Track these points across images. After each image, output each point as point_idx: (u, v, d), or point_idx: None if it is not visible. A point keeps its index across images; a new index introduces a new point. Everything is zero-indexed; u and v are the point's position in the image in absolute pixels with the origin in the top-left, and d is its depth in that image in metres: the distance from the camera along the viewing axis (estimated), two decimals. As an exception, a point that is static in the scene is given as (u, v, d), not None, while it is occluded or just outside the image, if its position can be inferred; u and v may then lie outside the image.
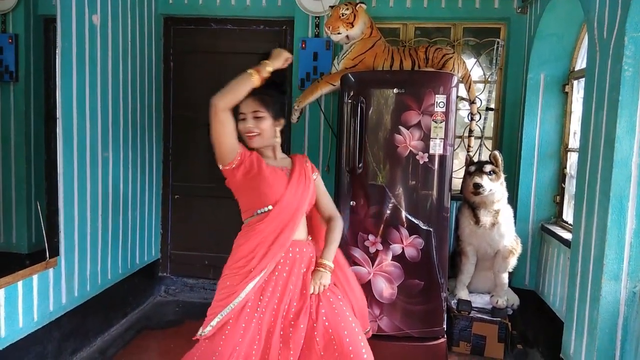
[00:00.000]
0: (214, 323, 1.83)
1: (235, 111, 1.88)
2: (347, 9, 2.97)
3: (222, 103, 1.79)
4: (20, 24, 2.44)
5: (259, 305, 1.86)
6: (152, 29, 3.63)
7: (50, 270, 2.59)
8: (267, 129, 1.94)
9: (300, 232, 2.00)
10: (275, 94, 1.99)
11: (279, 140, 2.03)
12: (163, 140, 3.87)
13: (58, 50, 2.57)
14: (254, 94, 1.89)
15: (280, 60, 1.90)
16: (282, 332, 1.85)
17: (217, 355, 1.77)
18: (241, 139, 1.92)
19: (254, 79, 1.81)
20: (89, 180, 2.90)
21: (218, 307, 1.86)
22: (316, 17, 3.47)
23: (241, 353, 1.79)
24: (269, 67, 1.86)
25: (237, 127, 1.91)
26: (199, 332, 1.87)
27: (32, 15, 2.49)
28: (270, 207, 1.90)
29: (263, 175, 1.90)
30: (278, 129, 2.00)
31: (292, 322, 1.86)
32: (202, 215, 3.94)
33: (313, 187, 2.04)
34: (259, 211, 1.91)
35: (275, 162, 2.01)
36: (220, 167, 1.90)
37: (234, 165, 1.88)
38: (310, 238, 2.09)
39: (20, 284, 2.37)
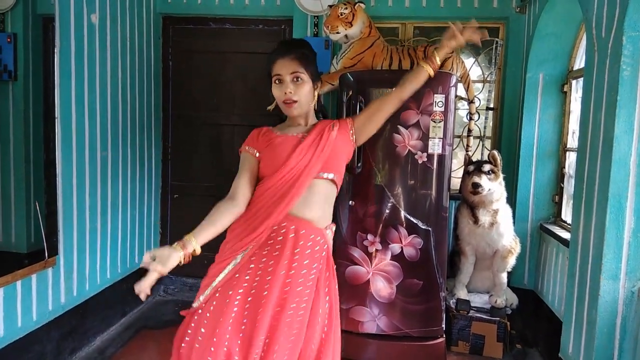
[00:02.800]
0: (201, 297, 1.76)
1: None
2: (346, 8, 2.97)
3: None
4: (19, 23, 2.44)
5: (247, 280, 1.70)
6: (151, 28, 3.62)
7: (49, 270, 2.59)
8: (307, 94, 1.72)
9: (307, 209, 1.72)
10: (312, 49, 1.77)
11: (314, 105, 1.81)
12: (162, 139, 3.87)
13: (57, 50, 2.57)
14: (290, 52, 1.69)
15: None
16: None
17: (206, 327, 1.67)
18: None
19: (180, 256, 1.70)
20: (88, 180, 2.90)
21: (207, 279, 1.79)
22: (315, 16, 3.47)
23: (227, 328, 1.63)
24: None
25: (273, 93, 1.73)
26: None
27: (31, 15, 2.48)
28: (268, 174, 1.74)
29: (272, 146, 1.74)
30: (317, 92, 1.79)
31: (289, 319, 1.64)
32: (201, 215, 3.89)
33: (330, 149, 1.74)
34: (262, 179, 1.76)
35: (297, 129, 1.79)
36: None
37: (257, 156, 1.78)
38: (333, 228, 1.84)
39: (19, 283, 2.37)
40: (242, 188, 1.75)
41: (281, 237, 1.71)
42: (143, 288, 1.62)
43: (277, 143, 1.74)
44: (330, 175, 1.77)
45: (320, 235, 1.77)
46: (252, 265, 1.71)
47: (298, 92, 1.70)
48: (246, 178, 1.76)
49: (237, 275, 1.72)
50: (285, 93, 1.70)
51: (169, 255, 1.60)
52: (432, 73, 1.83)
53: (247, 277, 1.70)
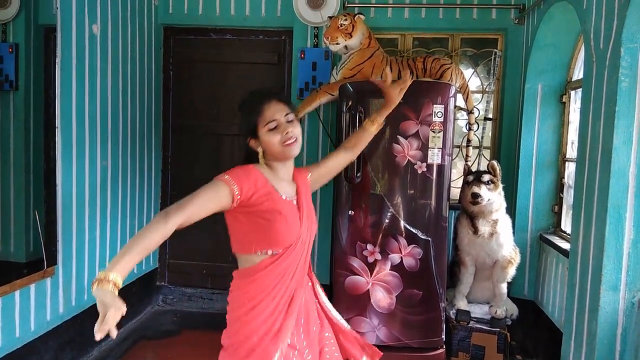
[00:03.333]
0: None
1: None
2: (346, 19, 2.99)
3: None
4: (20, 33, 2.46)
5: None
6: (152, 38, 3.65)
7: (48, 280, 2.58)
8: (300, 134, 1.65)
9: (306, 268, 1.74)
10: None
11: None
12: (162, 149, 3.87)
13: (58, 60, 2.59)
14: (272, 96, 1.64)
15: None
16: None
17: None
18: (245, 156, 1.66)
19: (105, 289, 1.38)
20: (88, 189, 2.90)
21: None
22: (315, 27, 3.49)
23: None
24: None
25: (268, 140, 1.60)
26: None
27: (32, 25, 2.50)
28: (279, 249, 1.59)
29: (279, 211, 1.57)
30: None
31: None
32: (200, 225, 3.89)
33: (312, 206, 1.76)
34: (263, 251, 1.59)
35: (285, 186, 1.67)
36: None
37: (235, 204, 1.54)
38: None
39: (17, 293, 2.36)
40: (192, 217, 1.57)
41: (303, 298, 1.70)
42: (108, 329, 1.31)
43: (288, 210, 1.61)
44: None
45: (308, 281, 1.77)
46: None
47: (294, 131, 1.62)
48: (203, 210, 1.57)
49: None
50: (287, 132, 1.59)
51: (113, 300, 1.39)
52: (375, 132, 1.97)
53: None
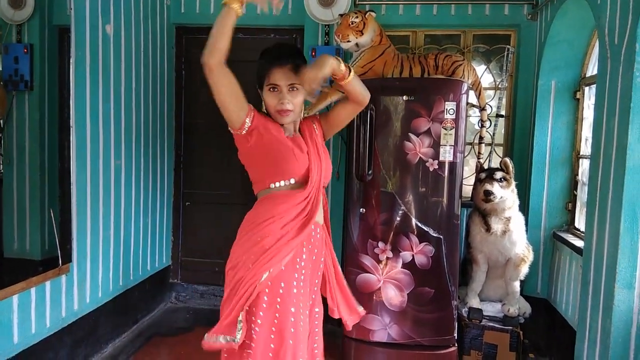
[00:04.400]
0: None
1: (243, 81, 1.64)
2: (357, 17, 2.98)
3: (214, 58, 1.50)
4: (35, 34, 2.49)
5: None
6: (165, 38, 3.67)
7: (63, 277, 2.62)
8: (300, 104, 1.75)
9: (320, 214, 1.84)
10: (304, 61, 1.76)
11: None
12: (174, 147, 3.90)
13: (72, 60, 2.62)
14: (287, 62, 1.70)
15: None
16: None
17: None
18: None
19: (235, 8, 1.49)
20: (102, 188, 2.93)
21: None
22: (326, 25, 3.49)
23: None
24: None
25: (265, 99, 1.74)
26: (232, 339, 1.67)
27: (47, 26, 2.53)
28: (292, 180, 1.73)
29: (284, 145, 1.72)
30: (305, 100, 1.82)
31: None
32: (212, 222, 3.96)
33: (323, 147, 1.86)
34: (277, 184, 1.73)
35: (289, 128, 1.82)
36: (231, 130, 1.72)
37: (243, 132, 1.68)
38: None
39: (33, 290, 2.40)
40: (228, 74, 1.60)
41: (313, 239, 1.82)
42: None
43: (293, 144, 1.74)
44: (324, 184, 1.87)
45: (321, 229, 1.88)
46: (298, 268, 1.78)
47: (293, 101, 1.72)
48: (235, 85, 1.63)
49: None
50: (283, 103, 1.71)
51: None
52: (348, 83, 1.79)
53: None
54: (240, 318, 1.65)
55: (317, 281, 1.89)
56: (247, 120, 1.67)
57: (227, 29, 1.49)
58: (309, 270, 1.81)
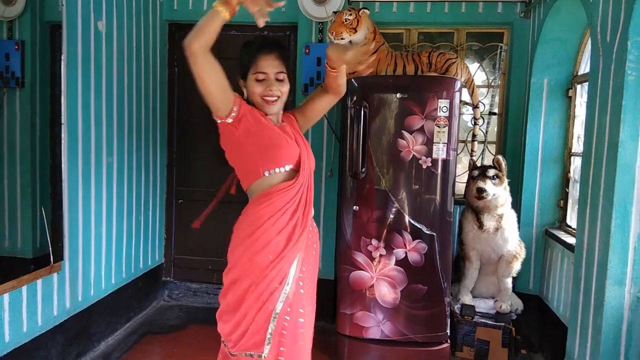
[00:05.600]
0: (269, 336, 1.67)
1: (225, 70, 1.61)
2: (351, 14, 2.98)
3: (197, 44, 1.48)
4: (26, 30, 2.46)
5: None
6: (157, 35, 3.65)
7: (55, 275, 2.60)
8: (285, 94, 1.75)
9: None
10: (287, 53, 1.80)
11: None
12: (167, 145, 3.89)
13: (64, 57, 2.59)
14: (273, 49, 1.71)
15: None
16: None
17: None
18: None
19: (222, 14, 1.47)
20: (94, 185, 2.91)
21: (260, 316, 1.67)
22: (319, 22, 3.48)
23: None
24: None
25: (251, 88, 1.72)
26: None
27: (38, 22, 2.51)
28: (287, 166, 1.71)
29: (274, 132, 1.71)
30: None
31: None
32: (206, 220, 3.95)
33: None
34: (272, 171, 1.69)
35: (272, 119, 1.79)
36: (216, 119, 1.69)
37: (230, 120, 1.65)
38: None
39: (24, 288, 2.38)
40: (215, 65, 1.60)
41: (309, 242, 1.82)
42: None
43: (282, 132, 1.75)
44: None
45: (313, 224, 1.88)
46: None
47: (280, 89, 1.73)
48: (221, 73, 1.60)
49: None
50: (271, 90, 1.71)
51: None
52: (337, 75, 1.82)
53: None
54: (269, 333, 1.65)
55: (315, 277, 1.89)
56: (235, 107, 1.65)
57: (212, 30, 1.48)
58: (310, 267, 1.80)
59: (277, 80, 1.72)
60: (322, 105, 1.94)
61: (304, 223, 1.75)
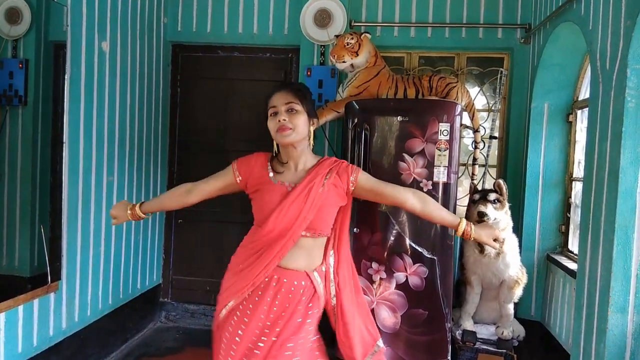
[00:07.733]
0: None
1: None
2: (352, 38, 3.01)
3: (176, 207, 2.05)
4: (31, 49, 2.49)
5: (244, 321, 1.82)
6: (161, 55, 3.69)
7: (52, 295, 2.58)
8: (302, 125, 1.74)
9: (292, 261, 1.80)
10: (308, 89, 1.83)
11: (310, 143, 1.83)
12: (168, 164, 3.89)
13: (67, 76, 2.62)
14: (287, 87, 1.78)
15: None
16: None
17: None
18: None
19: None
20: (93, 204, 2.91)
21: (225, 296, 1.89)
22: (321, 45, 3.52)
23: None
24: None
25: (268, 125, 1.78)
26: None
27: (42, 41, 2.53)
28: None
29: (262, 192, 1.80)
30: (312, 128, 1.81)
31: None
32: (205, 240, 3.93)
33: (319, 201, 1.75)
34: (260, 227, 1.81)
35: (290, 174, 1.81)
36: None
37: (244, 188, 1.88)
38: (323, 269, 1.87)
39: (20, 308, 2.36)
40: (202, 191, 1.92)
41: (263, 285, 1.80)
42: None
43: (267, 190, 1.79)
44: (315, 236, 1.83)
45: (304, 279, 1.83)
46: (238, 313, 1.84)
47: (292, 121, 1.73)
48: (213, 187, 1.91)
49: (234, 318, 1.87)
50: (279, 120, 1.73)
51: (119, 206, 1.97)
52: (458, 231, 1.91)
53: (233, 322, 1.85)
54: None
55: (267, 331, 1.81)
56: (237, 173, 1.85)
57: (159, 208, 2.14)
58: (282, 318, 1.78)
59: (288, 111, 1.74)
60: (380, 199, 1.99)
61: (267, 271, 1.79)
